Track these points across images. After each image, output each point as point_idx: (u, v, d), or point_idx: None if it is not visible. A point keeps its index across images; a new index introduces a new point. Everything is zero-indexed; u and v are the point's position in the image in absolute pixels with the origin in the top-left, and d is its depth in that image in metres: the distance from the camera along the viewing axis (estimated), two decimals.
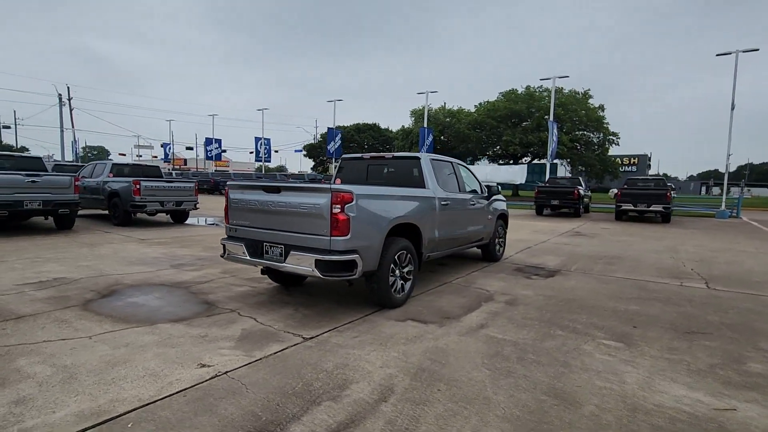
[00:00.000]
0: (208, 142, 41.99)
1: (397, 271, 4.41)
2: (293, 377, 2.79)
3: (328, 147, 33.57)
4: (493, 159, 38.20)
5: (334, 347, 3.32)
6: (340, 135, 34.52)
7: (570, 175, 30.98)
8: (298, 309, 4.29)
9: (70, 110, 42.38)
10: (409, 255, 4.52)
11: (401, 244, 4.37)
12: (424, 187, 5.11)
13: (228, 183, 4.63)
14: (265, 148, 37.00)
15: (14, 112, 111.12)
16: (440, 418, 2.35)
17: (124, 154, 64.21)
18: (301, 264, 3.79)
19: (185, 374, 2.80)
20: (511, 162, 34.82)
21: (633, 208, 15.06)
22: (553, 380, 2.82)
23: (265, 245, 4.18)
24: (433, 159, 5.47)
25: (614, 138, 32.44)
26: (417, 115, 38.91)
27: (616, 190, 16.33)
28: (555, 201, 16.87)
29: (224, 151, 44.81)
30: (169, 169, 43.07)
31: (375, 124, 49.58)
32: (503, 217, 7.42)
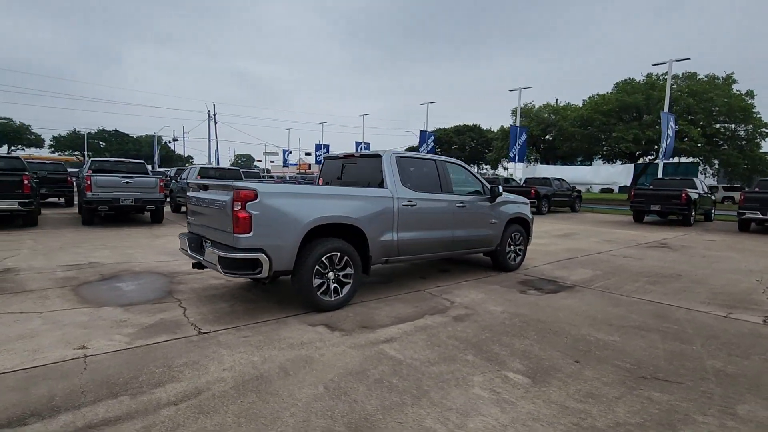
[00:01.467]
0: (318, 147, 45.40)
1: (331, 274, 4.21)
2: (134, 368, 2.86)
3: (420, 149, 33.61)
4: (608, 158, 33.86)
5: (212, 344, 3.31)
6: (433, 137, 34.28)
7: (703, 177, 25.89)
8: (236, 305, 4.37)
9: (215, 123, 49.94)
10: (346, 257, 4.28)
11: (331, 245, 4.15)
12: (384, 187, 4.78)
13: (188, 182, 4.96)
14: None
15: (183, 126, 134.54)
16: (202, 430, 2.17)
17: (260, 161, 73.53)
18: (212, 260, 3.86)
19: (58, 353, 3.07)
20: (626, 162, 30.44)
21: (761, 216, 11.92)
22: (378, 411, 2.39)
23: (203, 240, 4.36)
24: (401, 157, 5.07)
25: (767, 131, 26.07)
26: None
27: (740, 195, 13.05)
28: (656, 206, 14.22)
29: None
30: (295, 174, 47.51)
31: (476, 125, 48.01)
32: (521, 222, 6.53)
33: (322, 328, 3.75)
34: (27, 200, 9.73)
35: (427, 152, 32.76)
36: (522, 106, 37.47)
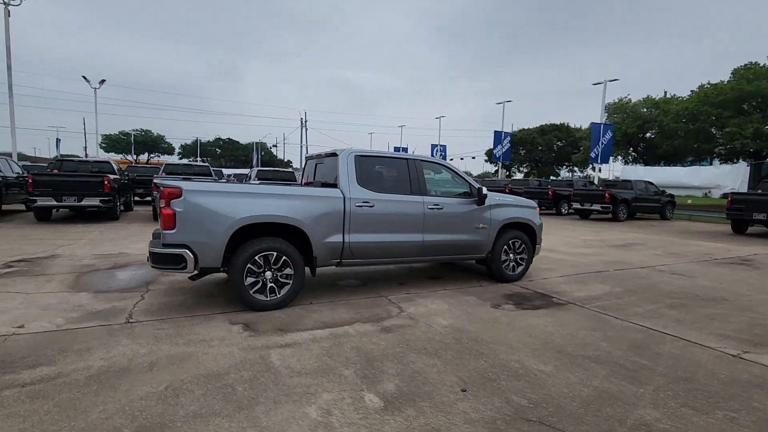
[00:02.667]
0: (395, 150, 45.98)
1: (268, 273, 4.16)
2: (36, 349, 3.10)
3: (495, 151, 32.11)
4: (726, 158, 28.78)
5: (124, 334, 3.46)
6: (509, 138, 32.51)
7: None
8: (189, 299, 4.54)
9: (306, 130, 53.54)
10: (284, 257, 4.19)
11: (266, 245, 4.10)
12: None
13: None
14: (440, 155, 37.95)
15: (283, 134, 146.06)
16: (12, 415, 2.26)
17: None
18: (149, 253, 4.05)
19: None
20: (751, 161, 25.55)
21: None
22: (184, 418, 2.27)
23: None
24: (362, 156, 4.83)
25: None
26: (611, 109, 32.98)
27: None
28: (761, 214, 11.69)
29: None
30: None
31: (563, 123, 44.30)
32: (523, 228, 5.81)
33: (239, 327, 3.71)
34: (107, 198, 11.32)
35: (502, 154, 31.17)
36: (616, 100, 33.76)
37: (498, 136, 30.97)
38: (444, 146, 38.32)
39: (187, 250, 3.81)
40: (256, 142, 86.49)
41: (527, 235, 5.87)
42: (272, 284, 4.19)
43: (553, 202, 18.98)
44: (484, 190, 5.33)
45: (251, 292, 4.09)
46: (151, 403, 2.41)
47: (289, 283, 4.26)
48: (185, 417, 2.28)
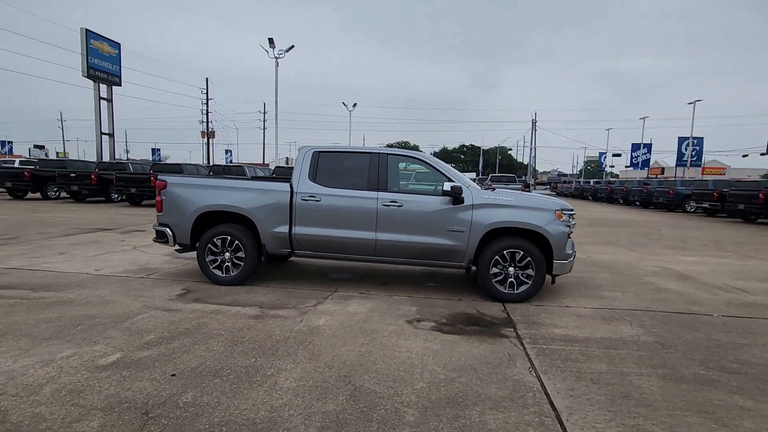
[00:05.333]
0: (635, 147, 38.24)
1: (227, 254, 4.95)
2: (74, 281, 4.89)
3: None
4: None
5: (116, 282, 4.94)
6: None
7: None
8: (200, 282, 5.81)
9: (534, 131, 51.47)
10: (237, 242, 4.87)
11: (221, 230, 4.89)
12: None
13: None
14: (694, 150, 29.33)
15: (524, 137, 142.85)
16: None
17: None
18: None
19: (83, 269, 5.55)
20: None
21: None
22: None
23: None
24: (321, 152, 4.90)
25: None
26: None
27: None
28: None
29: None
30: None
31: None
32: (529, 236, 4.48)
33: (181, 294, 4.62)
34: None
35: None
36: None
37: None
38: (699, 138, 29.24)
39: (167, 229, 5.03)
40: (498, 146, 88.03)
41: (537, 245, 4.51)
42: (228, 264, 4.94)
43: None
44: (467, 187, 4.50)
45: (211, 268, 4.97)
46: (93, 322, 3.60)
47: (241, 265, 4.92)
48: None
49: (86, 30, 15.63)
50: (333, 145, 5.17)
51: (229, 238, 4.91)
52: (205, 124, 43.70)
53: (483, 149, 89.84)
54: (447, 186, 4.46)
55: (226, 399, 2.43)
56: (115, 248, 7.11)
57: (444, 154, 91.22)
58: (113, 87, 17.51)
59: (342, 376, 2.77)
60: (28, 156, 47.56)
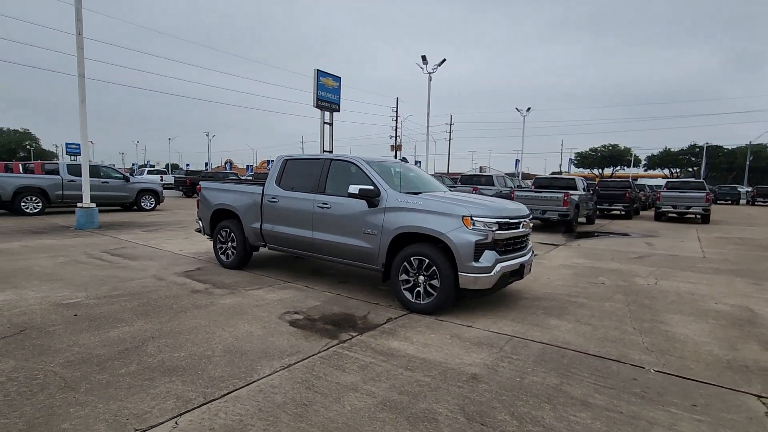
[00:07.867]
0: None
1: (229, 243, 6.19)
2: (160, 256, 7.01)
3: None
4: None
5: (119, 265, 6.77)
6: None
7: None
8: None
9: None
10: (232, 233, 6.04)
11: (224, 224, 6.15)
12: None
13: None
14: None
15: None
16: None
17: None
18: None
19: (173, 250, 7.74)
20: None
21: None
22: None
23: None
24: (290, 159, 5.57)
25: None
26: None
27: None
28: None
29: None
30: None
31: None
32: (435, 243, 4.03)
33: (189, 271, 6.06)
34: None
35: None
36: None
37: None
38: None
39: (200, 221, 6.61)
40: (749, 145, 67.79)
41: (445, 254, 4.05)
42: (229, 251, 6.16)
43: None
44: (384, 190, 4.49)
45: (219, 254, 6.29)
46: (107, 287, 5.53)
47: (235, 253, 6.06)
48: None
49: (317, 70, 20.26)
50: (300, 154, 5.77)
51: (228, 230, 6.13)
52: (394, 138, 48.70)
53: (707, 147, 68.52)
54: (353, 189, 4.50)
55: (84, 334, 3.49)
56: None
57: (665, 156, 74.69)
58: (334, 113, 21.97)
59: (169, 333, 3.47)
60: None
